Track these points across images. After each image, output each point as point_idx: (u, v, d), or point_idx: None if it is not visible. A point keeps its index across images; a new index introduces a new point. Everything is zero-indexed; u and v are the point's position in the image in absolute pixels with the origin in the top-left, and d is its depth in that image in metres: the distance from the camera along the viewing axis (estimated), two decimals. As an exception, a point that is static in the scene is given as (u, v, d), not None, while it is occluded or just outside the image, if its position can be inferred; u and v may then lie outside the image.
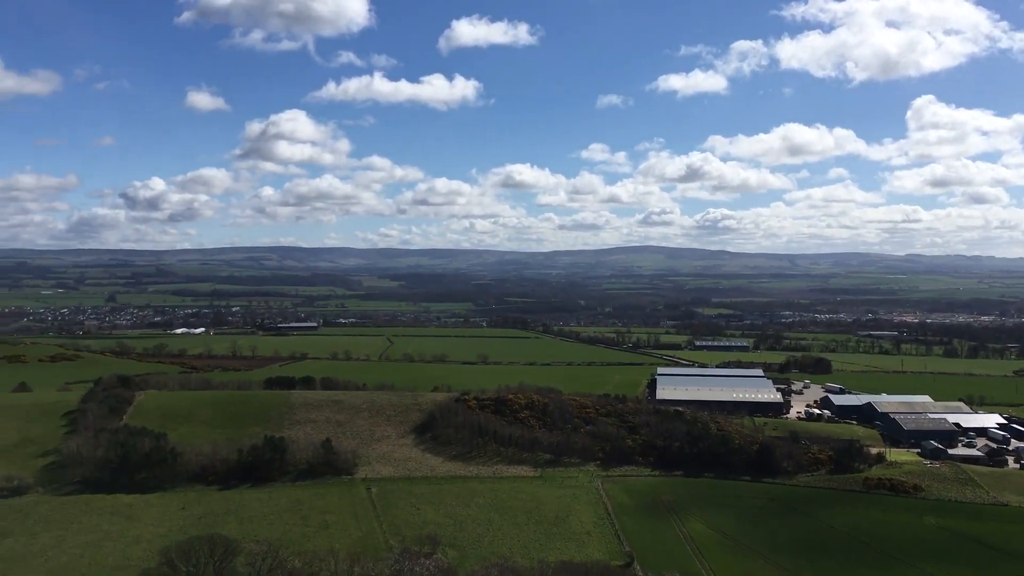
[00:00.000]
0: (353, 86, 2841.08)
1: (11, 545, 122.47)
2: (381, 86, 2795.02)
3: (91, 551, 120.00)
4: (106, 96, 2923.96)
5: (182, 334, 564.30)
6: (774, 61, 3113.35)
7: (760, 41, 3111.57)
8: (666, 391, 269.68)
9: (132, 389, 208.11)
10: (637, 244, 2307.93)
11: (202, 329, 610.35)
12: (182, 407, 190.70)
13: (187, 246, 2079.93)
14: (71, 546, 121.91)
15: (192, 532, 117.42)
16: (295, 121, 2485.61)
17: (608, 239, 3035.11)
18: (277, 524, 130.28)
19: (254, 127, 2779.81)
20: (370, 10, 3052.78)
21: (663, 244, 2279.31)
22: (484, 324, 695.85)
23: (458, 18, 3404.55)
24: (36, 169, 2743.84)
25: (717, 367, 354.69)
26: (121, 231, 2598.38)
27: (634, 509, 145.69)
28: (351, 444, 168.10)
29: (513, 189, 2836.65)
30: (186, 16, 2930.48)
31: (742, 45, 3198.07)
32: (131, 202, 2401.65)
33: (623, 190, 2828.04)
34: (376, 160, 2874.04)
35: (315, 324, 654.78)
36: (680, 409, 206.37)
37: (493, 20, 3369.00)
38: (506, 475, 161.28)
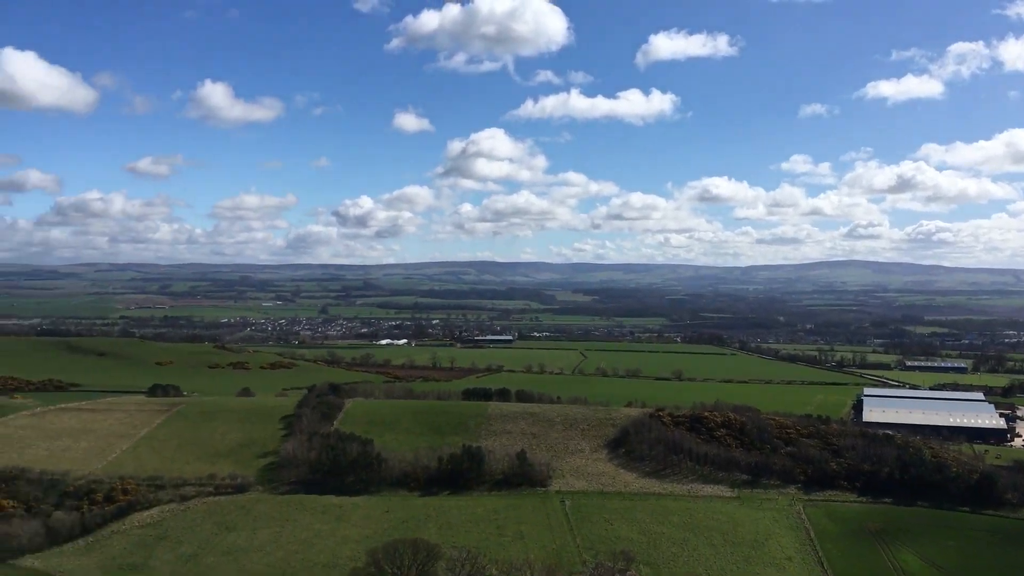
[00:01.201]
0: (551, 103, 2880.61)
1: (235, 539, 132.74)
2: (578, 103, 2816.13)
3: (304, 548, 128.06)
4: (322, 120, 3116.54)
5: (386, 345, 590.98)
6: (996, 63, 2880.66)
7: (981, 43, 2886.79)
8: (873, 413, 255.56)
9: (342, 396, 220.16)
10: (841, 259, 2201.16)
11: (404, 341, 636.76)
12: (386, 415, 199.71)
13: (392, 261, 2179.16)
14: (287, 542, 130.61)
15: (395, 535, 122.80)
16: (494, 139, 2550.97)
17: (810, 253, 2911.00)
18: (474, 532, 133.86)
19: (455, 146, 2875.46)
20: (569, 28, 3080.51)
21: (870, 258, 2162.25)
22: (678, 340, 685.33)
23: (656, 32, 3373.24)
24: (259, 190, 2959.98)
25: (930, 389, 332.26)
26: (333, 247, 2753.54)
27: (838, 536, 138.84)
28: (545, 456, 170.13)
29: (709, 203, 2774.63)
30: (395, 43, 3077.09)
31: (960, 47, 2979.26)
32: (342, 219, 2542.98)
33: (826, 202, 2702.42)
34: (572, 176, 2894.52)
35: (510, 337, 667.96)
36: (890, 433, 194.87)
37: (691, 33, 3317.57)
38: (701, 494, 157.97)
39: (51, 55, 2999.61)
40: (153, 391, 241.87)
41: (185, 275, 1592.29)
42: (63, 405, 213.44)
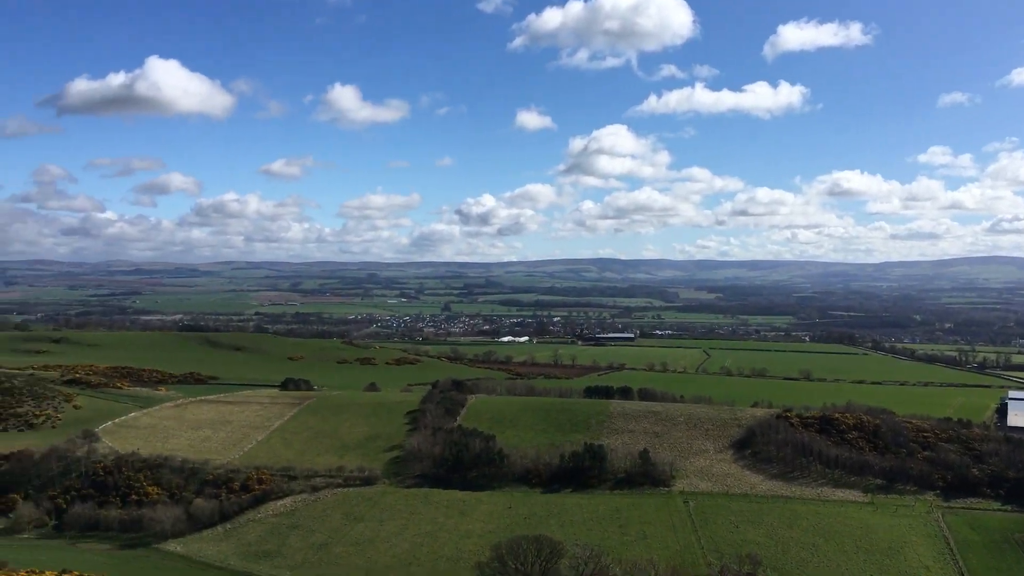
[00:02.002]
0: (674, 98, 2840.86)
1: (363, 529, 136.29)
2: (702, 97, 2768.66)
3: (429, 541, 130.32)
4: (446, 120, 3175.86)
5: (507, 342, 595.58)
6: None
7: None
8: (1019, 417, 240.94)
9: (465, 393, 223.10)
10: (983, 255, 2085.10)
11: (526, 338, 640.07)
12: (508, 411, 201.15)
13: (513, 258, 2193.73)
14: (412, 535, 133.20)
15: (518, 531, 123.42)
16: (616, 136, 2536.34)
17: (948, 249, 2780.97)
18: (596, 530, 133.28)
19: (577, 143, 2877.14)
20: (694, 21, 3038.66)
21: (1016, 254, 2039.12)
22: (807, 339, 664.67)
23: (784, 23, 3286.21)
24: (385, 189, 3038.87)
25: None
26: (456, 245, 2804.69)
27: (981, 547, 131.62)
28: (668, 456, 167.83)
29: (840, 197, 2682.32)
30: (518, 42, 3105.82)
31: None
32: (464, 218, 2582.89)
33: (967, 195, 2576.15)
34: (695, 171, 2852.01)
35: (632, 335, 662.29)
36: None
37: (822, 22, 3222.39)
38: (832, 498, 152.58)
39: (192, 63, 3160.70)
40: (285, 385, 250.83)
41: (315, 273, 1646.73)
42: (203, 397, 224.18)
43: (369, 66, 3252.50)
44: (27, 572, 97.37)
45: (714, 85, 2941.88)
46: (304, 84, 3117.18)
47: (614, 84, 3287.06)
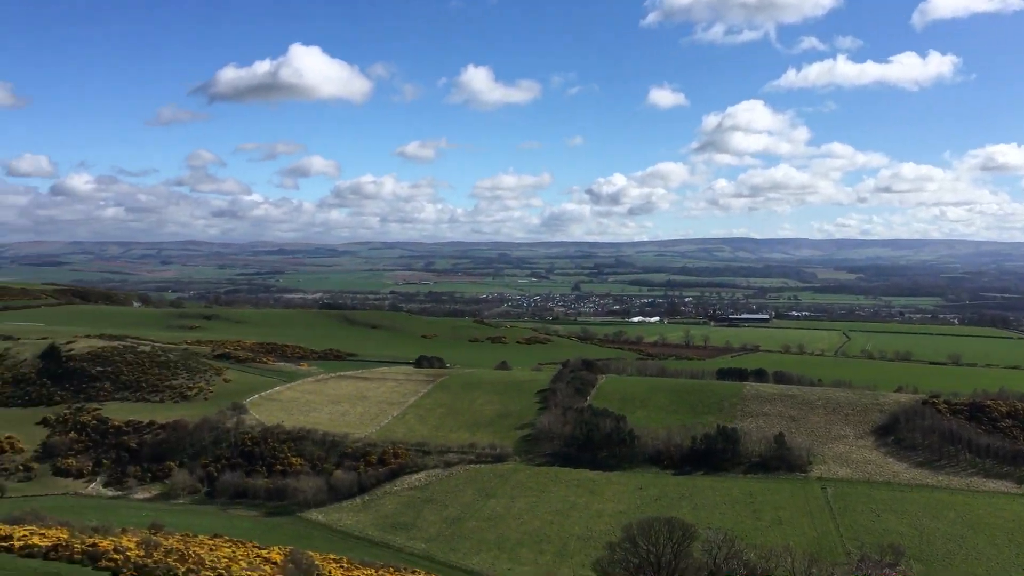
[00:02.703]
0: (814, 71, 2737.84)
1: (494, 505, 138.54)
2: (845, 69, 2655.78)
3: (559, 519, 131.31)
4: (578, 100, 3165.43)
5: (638, 322, 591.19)
6: None
7: None
8: None
9: (595, 372, 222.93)
10: None
11: (656, 318, 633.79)
12: (639, 392, 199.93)
13: (644, 238, 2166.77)
14: (543, 512, 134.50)
15: (648, 512, 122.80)
16: (752, 111, 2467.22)
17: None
18: (729, 514, 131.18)
19: (710, 120, 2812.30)
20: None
21: None
22: (955, 321, 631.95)
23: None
24: (517, 170, 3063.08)
25: None
26: (586, 225, 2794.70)
27: None
28: (804, 441, 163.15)
29: (995, 172, 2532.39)
30: (651, 18, 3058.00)
31: None
32: (595, 197, 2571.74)
33: None
34: (836, 147, 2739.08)
35: (766, 316, 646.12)
36: None
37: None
38: (982, 489, 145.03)
39: (332, 50, 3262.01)
40: (419, 362, 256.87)
41: (447, 253, 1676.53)
42: (341, 373, 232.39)
43: (501, 48, 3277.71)
44: (182, 535, 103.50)
45: (857, 57, 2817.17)
46: (438, 67, 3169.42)
47: (751, 58, 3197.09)
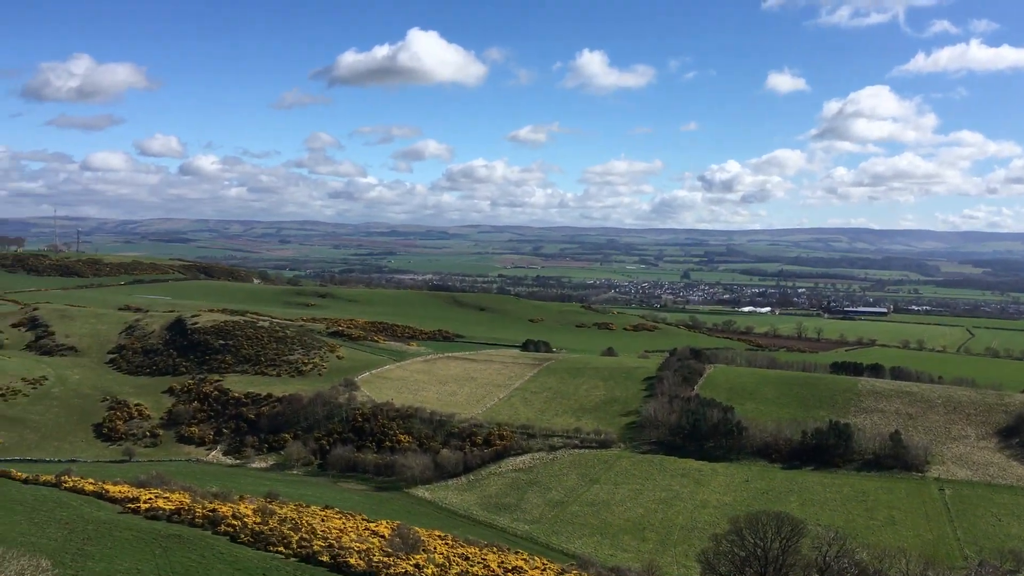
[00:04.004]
0: (945, 56, 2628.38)
1: (598, 491, 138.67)
2: (978, 54, 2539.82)
3: (663, 508, 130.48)
4: (693, 85, 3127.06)
5: (748, 312, 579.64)
6: None
7: None
8: None
9: (703, 362, 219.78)
10: None
11: (767, 309, 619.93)
12: (748, 383, 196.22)
13: (757, 227, 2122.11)
14: (646, 500, 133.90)
15: (755, 505, 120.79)
16: (876, 97, 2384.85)
17: None
18: (840, 511, 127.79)
19: (832, 106, 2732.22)
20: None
21: None
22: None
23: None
24: (628, 155, 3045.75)
25: None
26: (697, 212, 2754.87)
27: None
28: (922, 440, 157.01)
29: None
30: (772, 1, 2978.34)
31: None
32: (707, 184, 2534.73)
33: None
34: (966, 135, 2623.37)
35: (884, 310, 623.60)
36: None
37: None
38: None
39: (450, 34, 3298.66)
40: (526, 346, 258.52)
41: (555, 237, 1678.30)
42: (449, 354, 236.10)
43: (617, 32, 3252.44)
44: (296, 505, 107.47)
45: (992, 40, 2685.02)
46: (553, 52, 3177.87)
47: (877, 42, 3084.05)
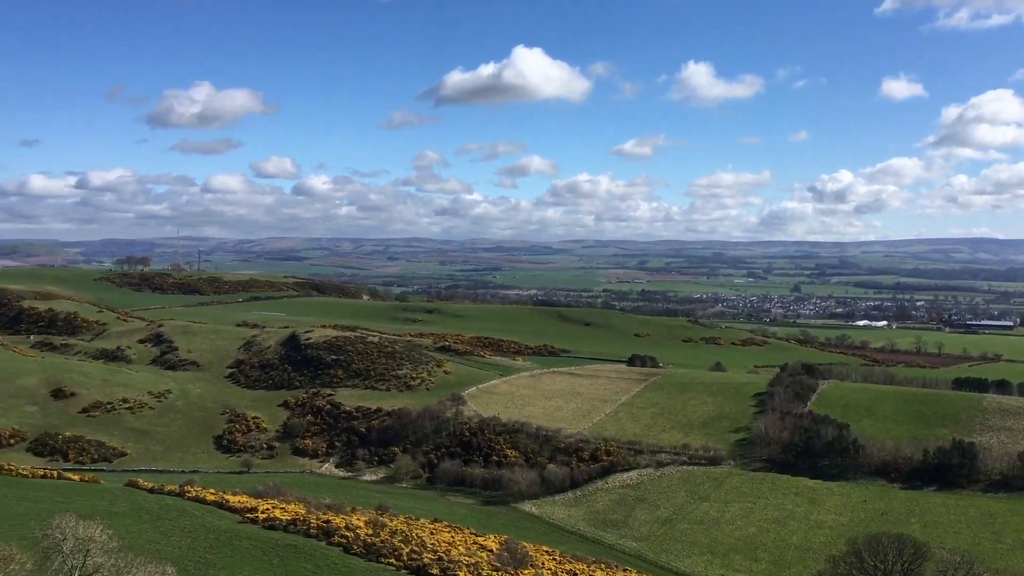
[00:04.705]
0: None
1: (707, 509, 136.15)
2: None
3: (776, 527, 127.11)
4: (803, 93, 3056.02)
5: (863, 326, 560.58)
6: None
7: None
8: None
9: (815, 377, 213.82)
10: None
11: (884, 323, 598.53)
12: (863, 400, 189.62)
13: (871, 237, 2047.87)
14: (758, 519, 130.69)
15: (873, 527, 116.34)
16: (1000, 101, 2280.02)
17: None
18: (965, 534, 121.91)
19: (951, 112, 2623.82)
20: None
21: None
22: None
23: None
24: (735, 167, 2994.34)
25: None
26: (807, 224, 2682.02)
27: None
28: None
29: None
30: (886, 5, 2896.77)
31: None
32: (818, 195, 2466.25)
33: None
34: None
35: (1010, 323, 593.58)
36: None
37: None
38: None
39: (554, 50, 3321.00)
40: (632, 361, 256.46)
41: (661, 251, 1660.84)
42: (555, 369, 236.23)
43: (723, 43, 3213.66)
44: (405, 517, 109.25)
45: None
46: (658, 64, 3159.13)
47: (999, 45, 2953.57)
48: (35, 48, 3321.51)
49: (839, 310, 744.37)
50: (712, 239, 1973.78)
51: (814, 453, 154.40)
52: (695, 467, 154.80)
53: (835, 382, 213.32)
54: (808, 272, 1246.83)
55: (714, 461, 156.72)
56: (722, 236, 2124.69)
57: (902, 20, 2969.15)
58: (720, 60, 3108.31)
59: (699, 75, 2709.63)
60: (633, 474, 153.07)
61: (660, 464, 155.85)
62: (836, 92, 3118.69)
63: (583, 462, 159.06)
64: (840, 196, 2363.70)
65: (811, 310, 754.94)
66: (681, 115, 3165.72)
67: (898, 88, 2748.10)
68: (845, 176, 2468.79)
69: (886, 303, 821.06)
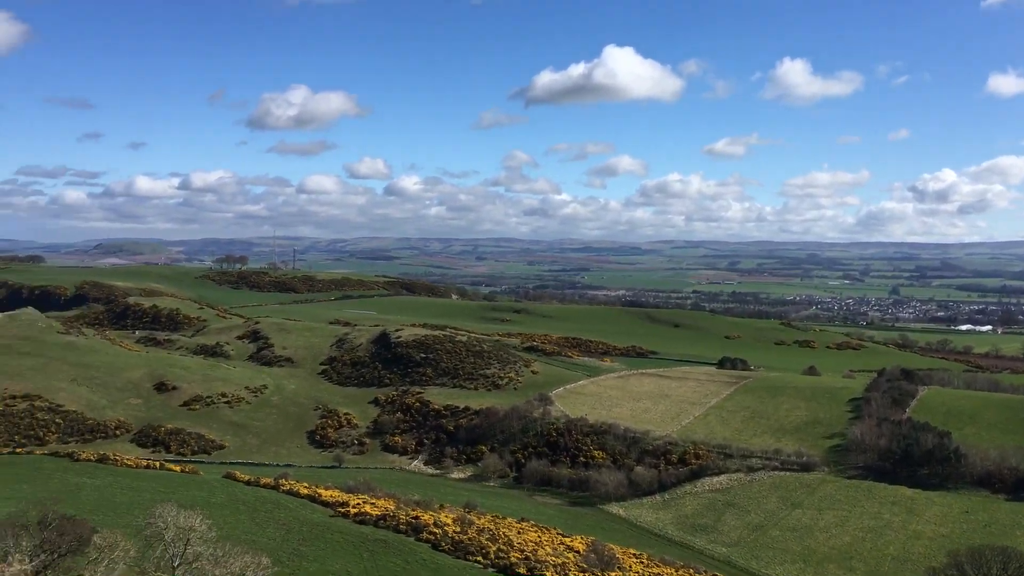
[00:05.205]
0: None
1: (800, 516, 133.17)
2: None
3: (872, 537, 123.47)
4: (904, 90, 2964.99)
5: (966, 331, 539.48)
6: None
7: None
8: None
9: (915, 383, 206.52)
10: None
11: (989, 327, 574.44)
12: (966, 407, 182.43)
13: (976, 239, 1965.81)
14: (853, 528, 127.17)
15: (975, 539, 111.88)
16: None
17: None
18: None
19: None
20: None
21: None
22: None
23: None
24: (832, 166, 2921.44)
25: None
26: (907, 224, 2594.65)
27: None
28: None
29: None
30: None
31: None
32: (919, 195, 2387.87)
33: None
34: None
35: None
36: None
37: None
38: None
39: (645, 49, 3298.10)
40: (722, 363, 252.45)
41: (752, 252, 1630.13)
42: (643, 371, 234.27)
43: (820, 39, 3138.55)
44: (492, 516, 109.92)
45: None
46: (752, 62, 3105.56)
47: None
48: (143, 55, 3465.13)
49: (940, 314, 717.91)
50: (806, 240, 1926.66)
51: (913, 461, 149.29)
52: (787, 473, 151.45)
53: (936, 388, 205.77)
54: (907, 274, 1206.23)
55: (807, 467, 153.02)
56: (817, 237, 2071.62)
57: (1010, 13, 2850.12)
58: (817, 57, 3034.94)
59: (795, 72, 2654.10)
60: (723, 478, 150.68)
61: (751, 469, 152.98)
62: (939, 88, 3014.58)
63: (671, 465, 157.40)
64: (943, 196, 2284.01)
65: (911, 314, 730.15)
66: (775, 113, 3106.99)
67: (1005, 83, 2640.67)
68: (948, 175, 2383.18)
69: (991, 307, 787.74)
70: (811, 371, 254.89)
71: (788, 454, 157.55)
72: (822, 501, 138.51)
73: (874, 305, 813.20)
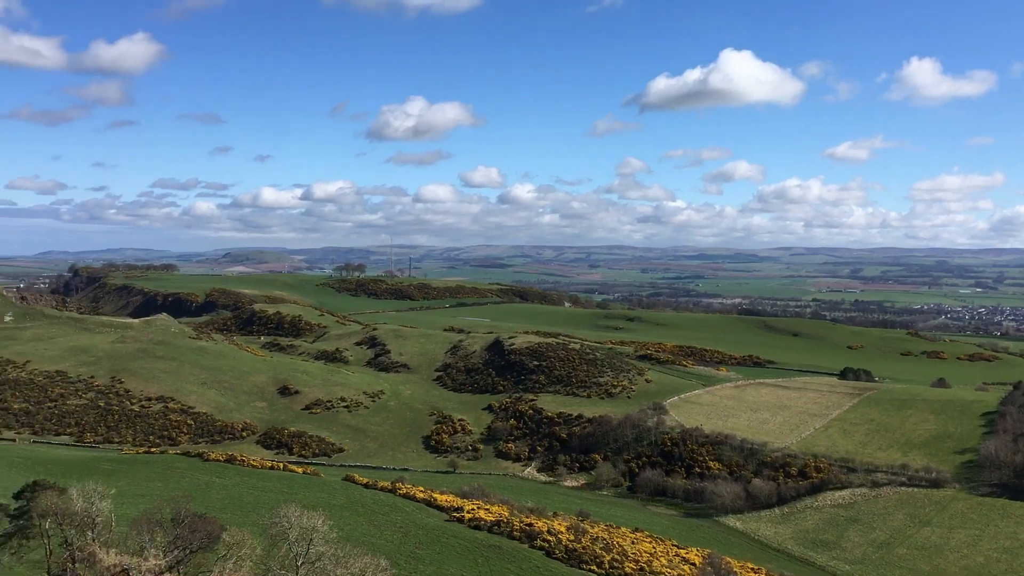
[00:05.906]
0: None
1: (928, 534, 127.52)
2: None
3: (1008, 557, 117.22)
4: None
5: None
6: None
7: None
8: None
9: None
10: None
11: None
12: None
13: None
14: (987, 548, 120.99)
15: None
16: None
17: None
18: None
19: None
20: None
21: None
22: None
23: None
24: (962, 169, 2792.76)
25: None
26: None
27: None
28: None
29: None
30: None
31: None
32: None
33: None
34: None
35: None
36: None
37: None
38: None
39: (764, 52, 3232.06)
40: (844, 374, 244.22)
41: (876, 259, 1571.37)
42: (760, 380, 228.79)
43: (951, 36, 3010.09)
44: (606, 525, 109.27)
45: None
46: (877, 62, 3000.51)
47: None
48: (270, 73, 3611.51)
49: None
50: (935, 246, 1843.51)
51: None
52: (915, 489, 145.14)
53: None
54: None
55: (936, 483, 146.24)
56: (946, 243, 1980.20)
57: None
58: (947, 55, 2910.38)
59: (923, 72, 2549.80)
60: (846, 493, 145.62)
61: (875, 484, 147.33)
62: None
63: (790, 478, 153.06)
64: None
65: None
66: (902, 115, 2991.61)
67: None
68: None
69: None
70: (940, 383, 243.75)
71: (916, 469, 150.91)
72: (953, 519, 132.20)
73: (1009, 314, 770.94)
